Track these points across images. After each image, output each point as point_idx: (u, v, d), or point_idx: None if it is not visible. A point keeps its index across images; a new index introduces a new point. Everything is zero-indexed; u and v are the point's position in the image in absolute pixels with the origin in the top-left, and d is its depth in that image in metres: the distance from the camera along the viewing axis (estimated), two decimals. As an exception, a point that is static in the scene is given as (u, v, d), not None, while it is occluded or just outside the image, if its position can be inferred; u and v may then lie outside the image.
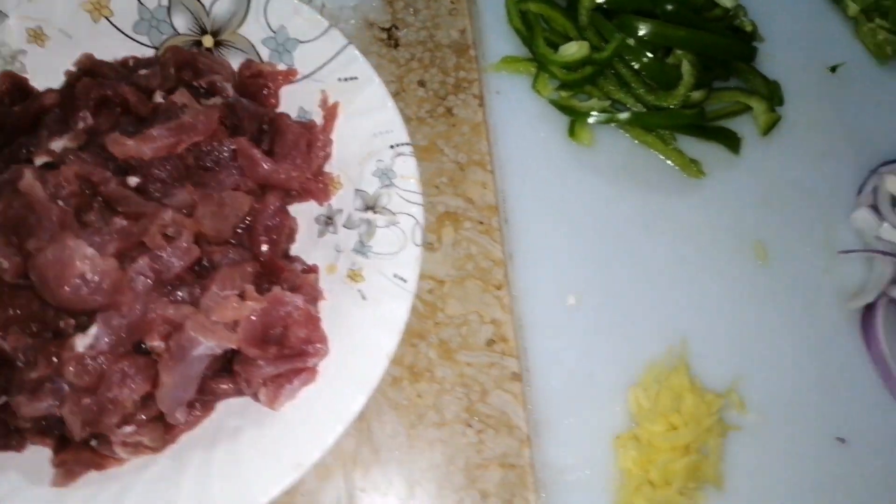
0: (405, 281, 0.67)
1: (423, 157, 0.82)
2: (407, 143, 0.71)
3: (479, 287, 0.77)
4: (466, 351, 0.75)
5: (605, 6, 0.81)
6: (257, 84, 0.75)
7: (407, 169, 0.71)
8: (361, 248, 0.69)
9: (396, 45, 0.87)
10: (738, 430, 0.73)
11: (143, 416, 0.59)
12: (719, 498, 0.70)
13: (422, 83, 0.86)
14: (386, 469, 0.70)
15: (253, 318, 0.60)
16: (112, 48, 0.74)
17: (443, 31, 0.89)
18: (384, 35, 0.88)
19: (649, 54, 0.80)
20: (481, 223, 0.80)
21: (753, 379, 0.75)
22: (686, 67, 0.80)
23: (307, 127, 0.72)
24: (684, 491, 0.69)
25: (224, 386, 0.63)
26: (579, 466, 0.70)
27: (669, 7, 0.82)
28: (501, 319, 0.76)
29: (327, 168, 0.74)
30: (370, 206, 0.70)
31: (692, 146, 0.84)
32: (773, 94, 0.85)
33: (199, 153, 0.66)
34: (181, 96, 0.67)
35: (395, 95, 0.83)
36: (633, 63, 0.80)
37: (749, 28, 0.84)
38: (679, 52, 0.80)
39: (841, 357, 0.77)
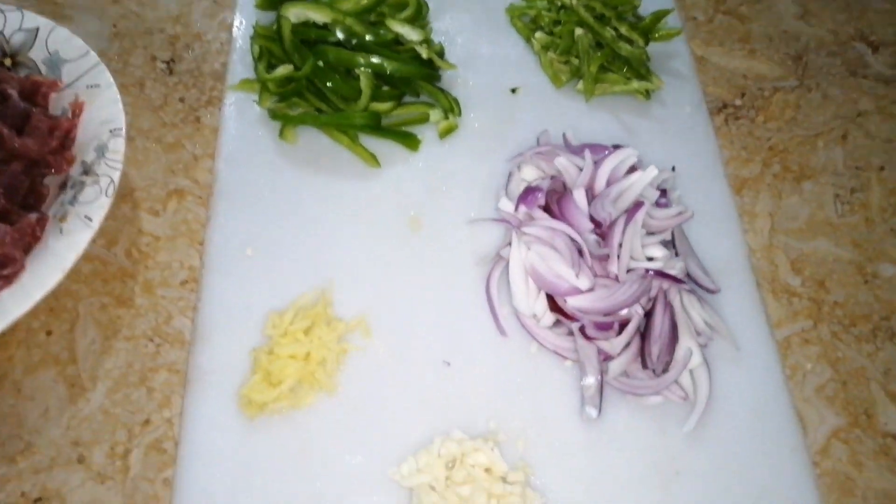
0: (91, 220, 0.90)
1: (168, 150, 1.07)
2: (121, 129, 0.96)
3: (186, 242, 1.00)
4: (164, 287, 0.97)
5: (310, 39, 1.06)
6: (36, 91, 1.03)
7: (116, 146, 0.95)
8: (72, 201, 0.93)
9: (171, 73, 1.15)
10: (360, 350, 0.92)
11: None
12: (329, 401, 0.89)
13: (182, 99, 1.12)
14: (81, 367, 0.91)
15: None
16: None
17: (208, 64, 1.15)
18: (164, 66, 1.15)
19: (336, 75, 1.04)
20: (200, 197, 1.04)
21: (383, 315, 0.94)
22: (364, 84, 1.04)
23: (53, 118, 0.98)
24: (297, 390, 0.88)
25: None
26: (221, 370, 0.90)
27: (367, 38, 1.06)
28: (196, 266, 0.98)
29: (74, 149, 0.99)
30: (86, 171, 0.95)
31: (380, 145, 1.06)
32: (452, 107, 1.08)
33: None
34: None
35: (159, 108, 1.10)
36: (327, 81, 1.05)
37: (427, 56, 1.07)
38: (359, 72, 1.04)
39: (464, 301, 0.96)
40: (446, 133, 1.07)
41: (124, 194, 1.03)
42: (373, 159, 1.04)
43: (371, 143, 1.06)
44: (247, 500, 0.82)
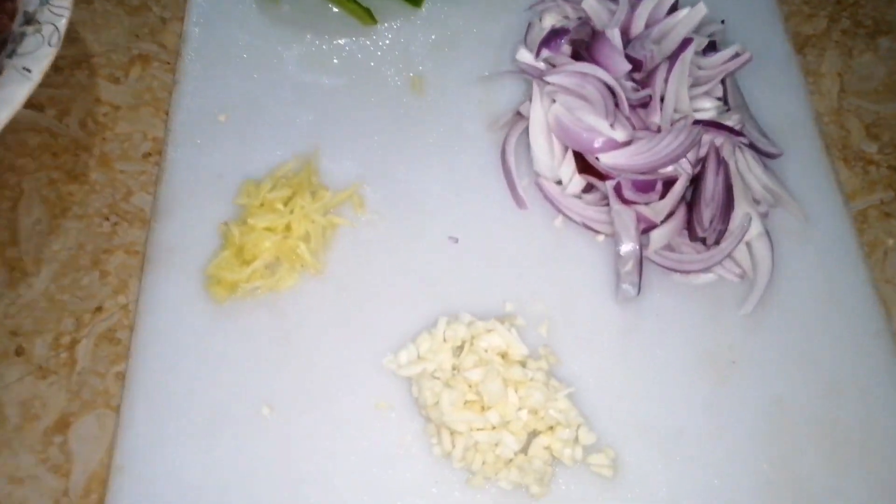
0: (30, 72, 0.75)
1: (131, 13, 0.92)
2: (67, -25, 0.81)
3: (150, 112, 0.85)
4: (124, 161, 0.82)
5: None
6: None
7: (64, -8, 0.80)
8: (10, 54, 0.79)
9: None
10: (351, 225, 0.77)
11: None
12: (314, 282, 0.74)
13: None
14: (22, 248, 0.77)
15: None
16: None
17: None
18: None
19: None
20: (168, 63, 0.89)
21: (379, 186, 0.79)
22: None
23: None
24: (275, 269, 0.73)
25: None
26: (185, 248, 0.75)
27: None
28: (160, 138, 0.83)
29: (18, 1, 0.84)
30: (28, 21, 0.80)
31: (380, 2, 0.90)
32: (459, -43, 0.91)
33: None
34: None
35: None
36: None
37: None
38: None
39: (474, 170, 0.80)
40: (454, -14, 0.90)
41: (80, 61, 0.88)
42: (367, 15, 0.88)
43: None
44: (213, 396, 0.68)
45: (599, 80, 0.75)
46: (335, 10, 0.90)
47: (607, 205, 0.75)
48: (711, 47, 0.83)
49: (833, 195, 0.80)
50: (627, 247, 0.72)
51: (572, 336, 0.72)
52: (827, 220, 0.79)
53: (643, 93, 0.74)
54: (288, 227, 0.75)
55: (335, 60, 0.87)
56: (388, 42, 0.89)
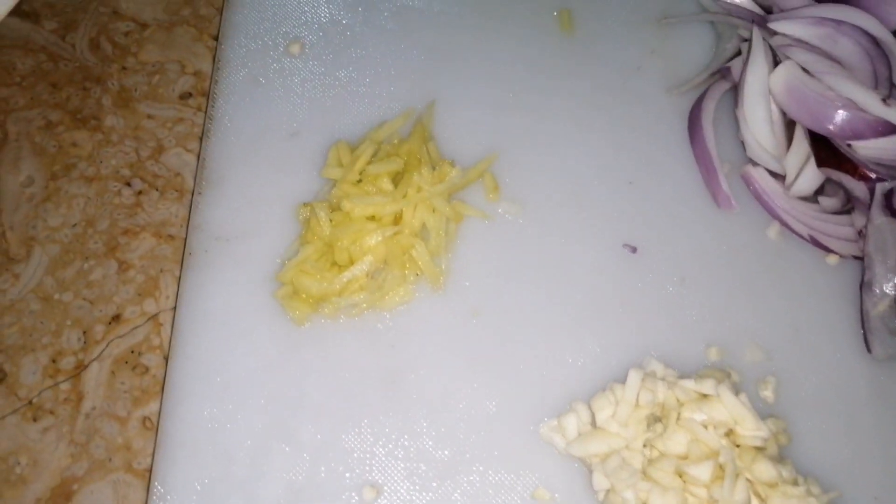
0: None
1: None
2: None
3: (192, 35, 0.60)
4: (152, 101, 0.58)
5: None
6: None
7: None
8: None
9: None
10: (484, 217, 0.53)
11: None
12: (436, 299, 0.50)
13: None
14: (2, 222, 0.53)
15: None
16: None
17: None
18: None
19: None
20: (216, -31, 0.63)
21: (520, 165, 0.55)
22: None
23: None
24: (380, 280, 0.50)
25: None
26: (248, 233, 0.52)
27: None
28: (206, 72, 0.59)
29: None
30: None
31: None
32: None
33: None
34: None
35: None
36: None
37: None
38: None
39: (652, 148, 0.57)
40: None
41: (92, -44, 0.63)
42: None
43: None
44: (292, 465, 0.46)
45: (865, 32, 0.51)
46: None
47: (850, 212, 0.52)
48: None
49: None
50: (879, 283, 0.49)
51: (803, 403, 0.50)
52: None
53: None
54: (398, 218, 0.51)
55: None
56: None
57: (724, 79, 0.57)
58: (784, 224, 0.55)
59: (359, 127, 0.56)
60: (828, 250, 0.54)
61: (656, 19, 0.62)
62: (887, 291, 0.51)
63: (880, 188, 0.50)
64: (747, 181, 0.56)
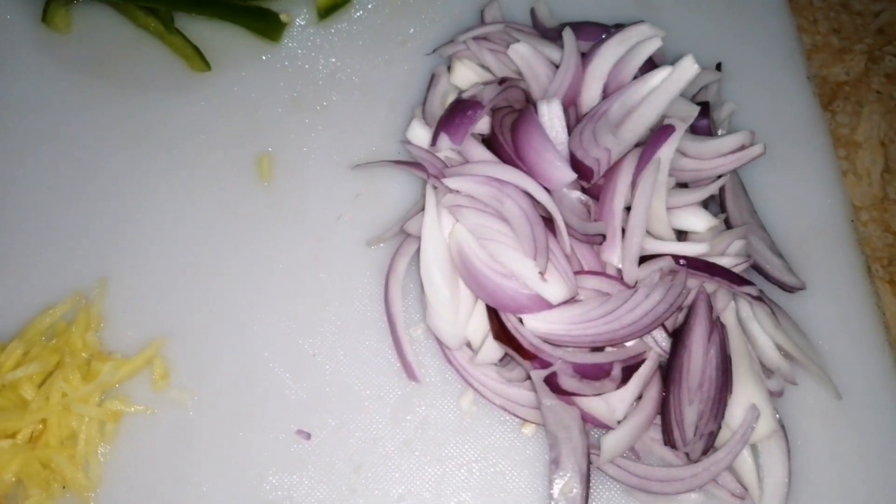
0: None
1: None
2: None
3: None
4: None
5: None
6: None
7: None
8: None
9: None
10: (146, 412, 0.49)
11: None
12: (84, 510, 0.47)
13: None
14: None
15: None
16: None
17: None
18: None
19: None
20: None
21: (193, 338, 0.51)
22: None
23: None
24: (17, 497, 0.46)
25: None
26: None
27: None
28: None
29: None
30: None
31: (214, 34, 0.61)
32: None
33: None
34: None
35: None
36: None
37: None
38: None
39: (346, 313, 0.53)
40: (328, 9, 0.61)
41: None
42: (198, 58, 0.59)
43: (198, 29, 0.61)
44: None
45: (525, 194, 0.47)
46: (152, 47, 0.61)
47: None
48: (703, 113, 0.55)
49: (879, 347, 0.54)
50: (567, 462, 0.46)
51: None
52: (872, 386, 0.53)
53: (596, 225, 0.46)
54: (40, 432, 0.47)
55: (142, 126, 0.59)
56: (225, 99, 0.60)
57: (412, 237, 0.53)
58: (478, 391, 0.51)
59: (19, 319, 0.52)
60: (523, 419, 0.50)
61: (354, 166, 0.57)
62: (569, 474, 0.47)
63: (536, 376, 0.46)
64: (438, 348, 0.52)
